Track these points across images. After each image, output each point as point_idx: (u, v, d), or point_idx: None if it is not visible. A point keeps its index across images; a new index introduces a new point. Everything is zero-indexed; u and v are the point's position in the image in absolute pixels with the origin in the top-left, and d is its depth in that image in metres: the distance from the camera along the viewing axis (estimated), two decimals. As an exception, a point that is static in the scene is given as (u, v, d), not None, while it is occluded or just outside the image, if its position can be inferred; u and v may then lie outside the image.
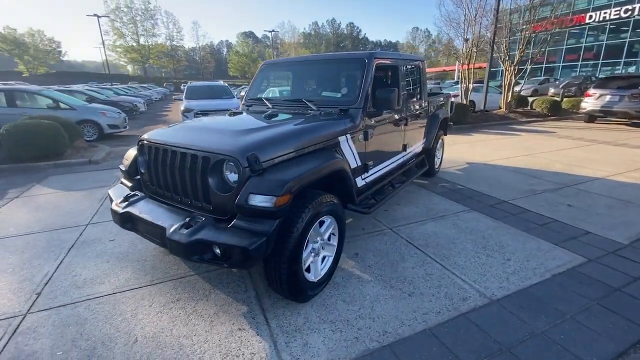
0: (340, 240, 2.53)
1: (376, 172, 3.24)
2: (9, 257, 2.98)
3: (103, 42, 35.18)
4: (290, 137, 2.24)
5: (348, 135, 2.68)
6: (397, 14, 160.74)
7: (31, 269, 2.76)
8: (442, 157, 5.46)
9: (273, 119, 2.81)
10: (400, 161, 3.77)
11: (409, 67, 3.81)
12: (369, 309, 2.22)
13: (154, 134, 2.49)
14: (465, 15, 11.58)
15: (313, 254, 2.29)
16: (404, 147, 3.79)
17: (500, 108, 13.41)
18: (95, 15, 30.56)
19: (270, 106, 3.25)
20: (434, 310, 2.19)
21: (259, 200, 1.83)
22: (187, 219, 1.98)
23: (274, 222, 1.88)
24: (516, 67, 12.17)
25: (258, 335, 1.99)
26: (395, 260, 2.82)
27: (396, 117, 3.45)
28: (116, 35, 49.02)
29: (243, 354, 1.85)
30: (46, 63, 46.86)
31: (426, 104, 4.39)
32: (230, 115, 3.15)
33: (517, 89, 14.15)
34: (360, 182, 2.97)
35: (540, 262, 2.77)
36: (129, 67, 61.17)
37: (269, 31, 49.16)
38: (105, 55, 36.77)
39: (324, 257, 2.43)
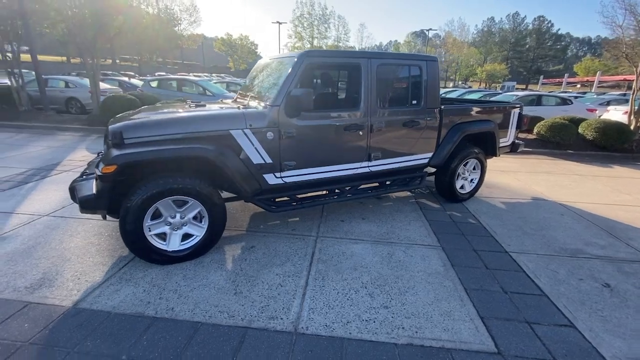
0: (214, 225, 2.72)
1: (305, 174, 3.12)
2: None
3: (279, 44, 42.70)
4: (160, 124, 2.58)
5: (248, 131, 2.77)
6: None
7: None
8: (478, 181, 4.35)
9: (187, 109, 3.14)
10: (360, 171, 3.39)
11: (387, 67, 3.35)
12: (192, 289, 2.37)
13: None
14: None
15: (168, 226, 2.61)
16: (369, 157, 3.38)
17: None
18: (277, 22, 37.60)
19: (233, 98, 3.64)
20: (239, 315, 2.14)
21: (98, 167, 2.33)
22: (82, 176, 2.71)
23: (104, 185, 2.34)
24: None
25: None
26: (274, 263, 2.74)
27: (346, 121, 3.16)
28: (296, 38, 58.13)
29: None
30: (246, 61, 60.79)
31: (436, 112, 3.67)
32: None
33: None
34: (273, 179, 2.98)
35: (433, 331, 2.10)
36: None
37: (426, 30, 46.81)
38: (283, 54, 44.40)
39: (189, 235, 2.70)
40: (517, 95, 10.96)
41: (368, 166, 3.43)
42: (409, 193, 4.59)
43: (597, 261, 2.97)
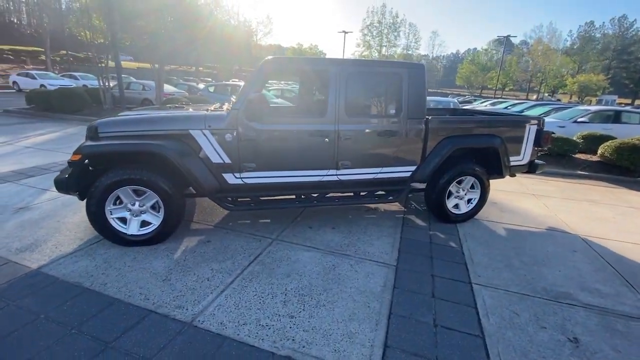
0: (169, 216, 2.96)
1: (265, 177, 3.18)
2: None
3: (343, 53, 43.37)
4: (130, 122, 2.92)
5: (207, 132, 2.96)
6: None
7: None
8: (477, 202, 3.88)
9: (165, 110, 3.44)
10: (327, 179, 3.33)
11: (360, 75, 3.25)
12: (132, 270, 2.63)
13: None
14: None
15: (128, 212, 2.92)
16: (336, 165, 3.30)
17: None
18: (343, 32, 38.43)
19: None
20: (153, 299, 2.30)
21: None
22: None
23: (72, 170, 2.73)
24: None
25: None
26: (217, 259, 2.86)
27: (311, 127, 3.15)
28: (364, 47, 58.39)
29: (56, 250, 2.89)
30: (314, 69, 63.12)
31: (420, 123, 3.43)
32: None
33: None
34: (232, 179, 3.12)
35: (321, 349, 2.00)
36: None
37: (509, 36, 42.57)
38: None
39: (146, 222, 2.99)
40: (588, 111, 9.39)
41: (336, 174, 3.35)
42: (399, 207, 4.32)
43: (582, 311, 2.44)
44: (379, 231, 3.57)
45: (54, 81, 19.72)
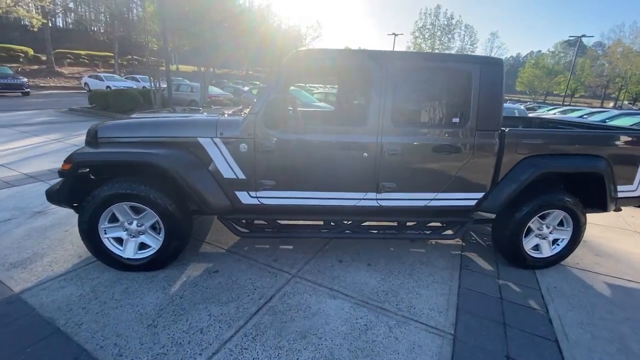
0: (170, 239, 2.47)
1: (286, 197, 2.57)
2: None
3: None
4: (132, 126, 2.48)
5: (218, 140, 2.42)
6: None
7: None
8: (567, 244, 2.89)
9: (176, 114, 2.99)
10: (364, 204, 2.61)
11: (414, 73, 2.51)
12: (118, 306, 2.16)
13: None
14: None
15: (125, 232, 2.48)
16: (377, 187, 2.58)
17: None
18: (393, 34, 37.07)
19: None
20: (127, 356, 1.80)
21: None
22: None
23: (64, 180, 2.34)
24: None
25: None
26: (219, 299, 2.29)
27: (346, 138, 2.47)
28: (415, 50, 56.11)
29: (48, 268, 2.54)
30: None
31: (493, 136, 2.58)
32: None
33: None
34: (247, 198, 2.55)
35: None
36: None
37: (576, 37, 37.74)
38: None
39: (147, 245, 2.52)
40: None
41: (376, 199, 2.63)
42: (457, 240, 3.44)
43: None
44: (428, 274, 2.77)
45: (118, 82, 21.35)
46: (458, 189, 2.68)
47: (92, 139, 2.45)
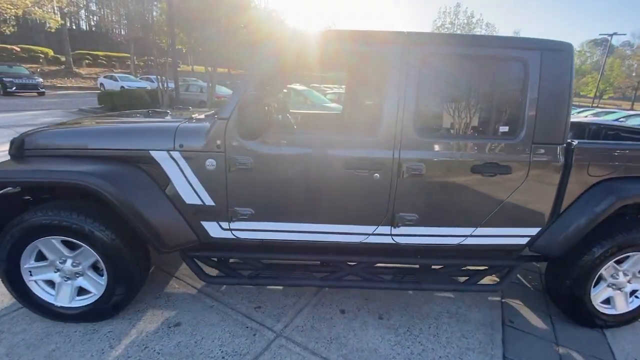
0: (115, 284, 1.86)
1: (271, 231, 1.92)
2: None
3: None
4: (66, 134, 1.90)
5: (177, 154, 1.80)
6: None
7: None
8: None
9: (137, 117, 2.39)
10: (375, 240, 1.94)
11: (447, 61, 1.82)
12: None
13: None
14: None
15: (58, 273, 1.89)
16: (392, 219, 1.89)
17: None
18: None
19: None
20: None
21: None
22: None
23: None
24: None
25: None
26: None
27: (350, 153, 1.80)
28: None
29: None
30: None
31: (557, 151, 1.85)
32: None
33: None
34: (217, 231, 1.92)
35: None
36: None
37: (606, 35, 35.51)
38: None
39: (83, 289, 1.92)
40: None
41: (391, 234, 1.95)
42: (492, 278, 2.70)
43: None
44: (460, 336, 2.06)
45: (132, 83, 21.35)
46: (504, 223, 1.96)
47: (17, 150, 1.87)
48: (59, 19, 23.01)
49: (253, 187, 1.84)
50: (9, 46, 25.63)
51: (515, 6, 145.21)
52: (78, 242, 1.80)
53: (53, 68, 26.88)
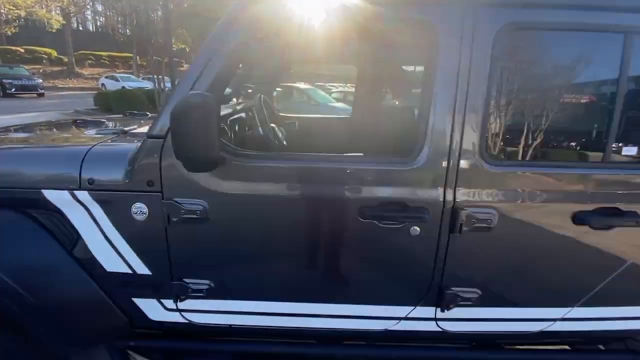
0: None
1: (241, 313, 1.21)
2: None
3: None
4: None
5: (84, 195, 1.08)
6: None
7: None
8: None
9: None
10: (414, 327, 1.22)
11: (544, 38, 1.08)
12: None
13: None
14: None
15: None
16: (440, 295, 1.16)
17: None
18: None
19: None
20: None
21: None
22: None
23: None
24: None
25: None
26: None
27: (364, 193, 1.07)
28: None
29: None
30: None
31: None
32: None
33: None
34: (159, 312, 1.21)
35: None
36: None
37: None
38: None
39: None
40: None
41: (435, 318, 1.21)
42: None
43: None
44: None
45: (133, 83, 20.88)
46: (615, 300, 1.21)
47: None
48: (61, 19, 22.69)
49: (210, 248, 1.13)
50: (13, 47, 25.43)
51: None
52: None
53: (55, 69, 26.62)
